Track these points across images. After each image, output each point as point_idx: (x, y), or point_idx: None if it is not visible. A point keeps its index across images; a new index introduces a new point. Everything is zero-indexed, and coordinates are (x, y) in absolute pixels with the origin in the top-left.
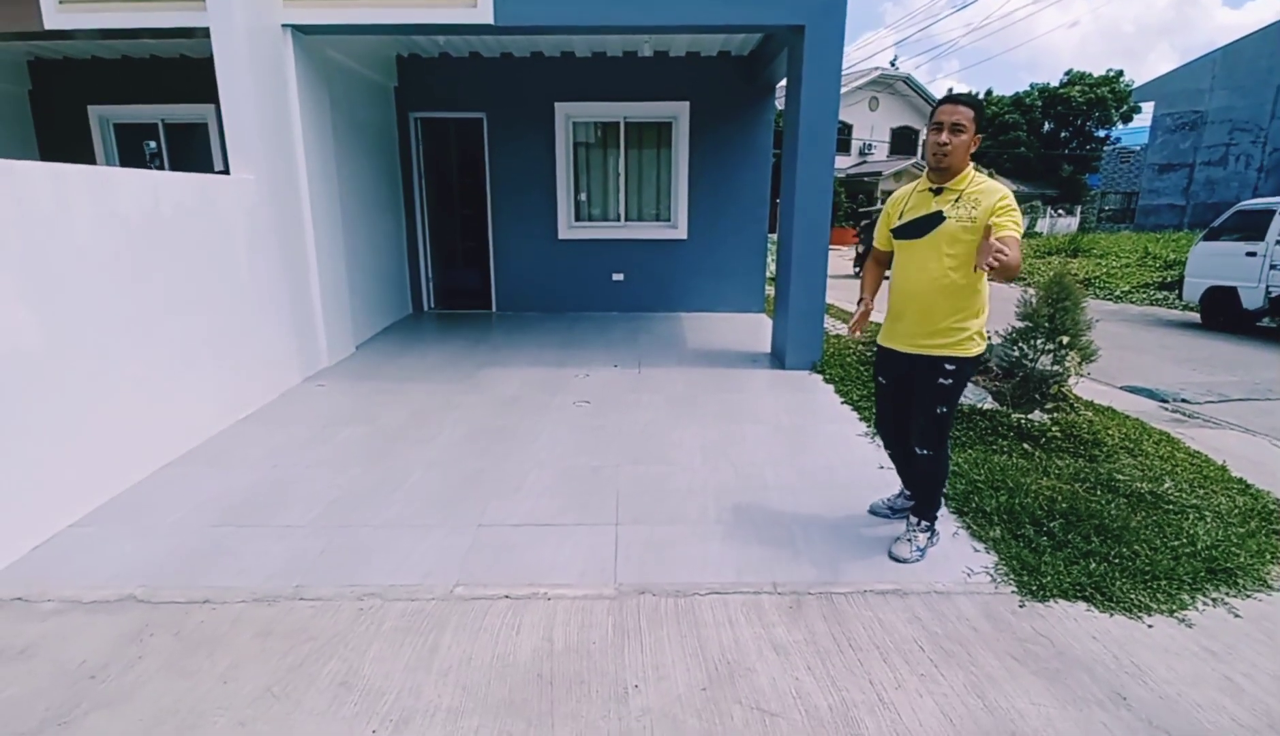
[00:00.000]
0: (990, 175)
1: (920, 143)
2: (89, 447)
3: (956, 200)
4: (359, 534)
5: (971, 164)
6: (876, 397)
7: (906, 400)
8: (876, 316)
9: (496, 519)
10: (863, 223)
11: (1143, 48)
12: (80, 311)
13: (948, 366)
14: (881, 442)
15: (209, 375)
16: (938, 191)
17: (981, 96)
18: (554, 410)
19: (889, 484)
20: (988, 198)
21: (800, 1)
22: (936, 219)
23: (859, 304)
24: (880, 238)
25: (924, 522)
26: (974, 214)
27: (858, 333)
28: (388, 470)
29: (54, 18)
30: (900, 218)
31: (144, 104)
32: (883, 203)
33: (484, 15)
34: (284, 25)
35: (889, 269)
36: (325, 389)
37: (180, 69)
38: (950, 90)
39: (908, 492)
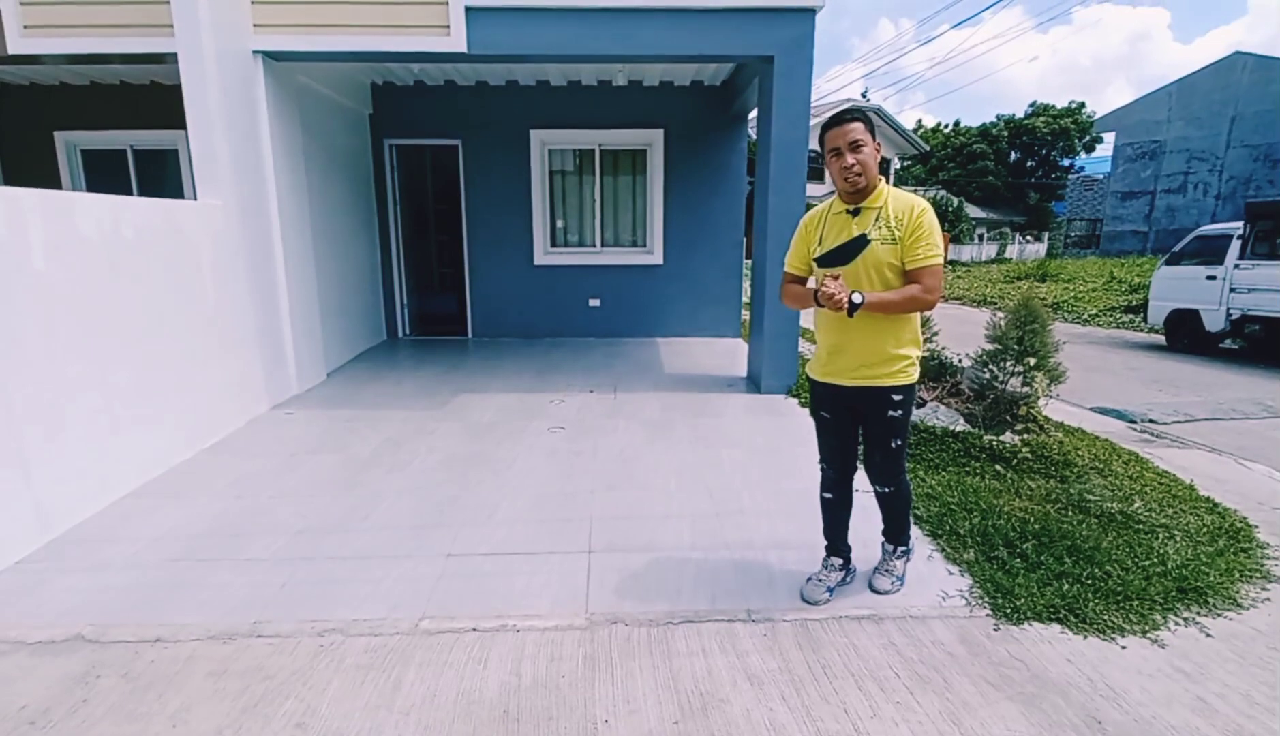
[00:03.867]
0: (960, 205)
1: (892, 171)
2: (42, 479)
3: (876, 219)
4: (324, 566)
5: (880, 178)
6: (820, 433)
7: (851, 432)
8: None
9: (467, 548)
10: None
11: (1100, 82)
12: (34, 338)
13: (894, 397)
14: (822, 481)
15: (172, 403)
16: (855, 213)
17: (949, 127)
18: (529, 436)
19: (863, 507)
20: (907, 215)
21: (769, 33)
22: (861, 243)
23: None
24: (798, 263)
25: (899, 548)
26: (896, 233)
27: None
28: (357, 499)
29: (18, 43)
30: (820, 244)
31: (112, 130)
32: None
33: (457, 44)
34: (254, 51)
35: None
36: (294, 416)
37: (150, 95)
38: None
39: (837, 562)
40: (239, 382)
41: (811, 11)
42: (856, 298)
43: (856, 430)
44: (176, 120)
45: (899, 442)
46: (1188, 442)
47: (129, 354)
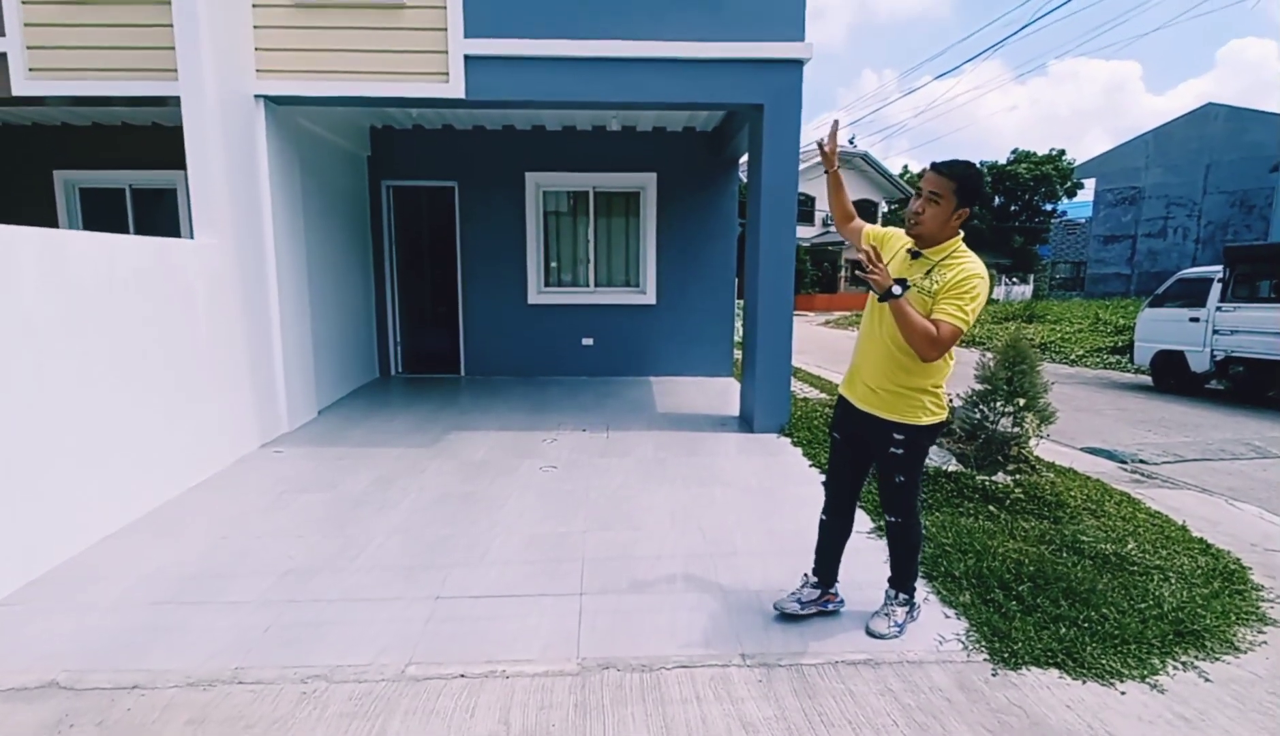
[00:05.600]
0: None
1: (879, 214)
2: (27, 518)
3: (928, 272)
4: (310, 609)
5: (960, 235)
6: (830, 453)
7: (858, 460)
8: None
9: (457, 589)
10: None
11: (1079, 130)
12: (22, 375)
13: (896, 435)
14: (824, 503)
15: (160, 441)
16: (915, 255)
17: None
18: (521, 475)
19: (858, 548)
20: (954, 273)
21: (758, 83)
22: (900, 285)
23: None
24: (870, 235)
25: (901, 595)
26: (933, 288)
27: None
28: (346, 539)
29: (23, 85)
30: (879, 259)
31: (112, 170)
32: (848, 269)
33: (456, 90)
34: (256, 96)
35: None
36: (284, 454)
37: (151, 135)
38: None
39: (814, 581)
40: (229, 420)
41: (799, 63)
42: (897, 290)
43: (863, 462)
44: (176, 160)
45: (903, 479)
46: (1179, 483)
47: (119, 392)
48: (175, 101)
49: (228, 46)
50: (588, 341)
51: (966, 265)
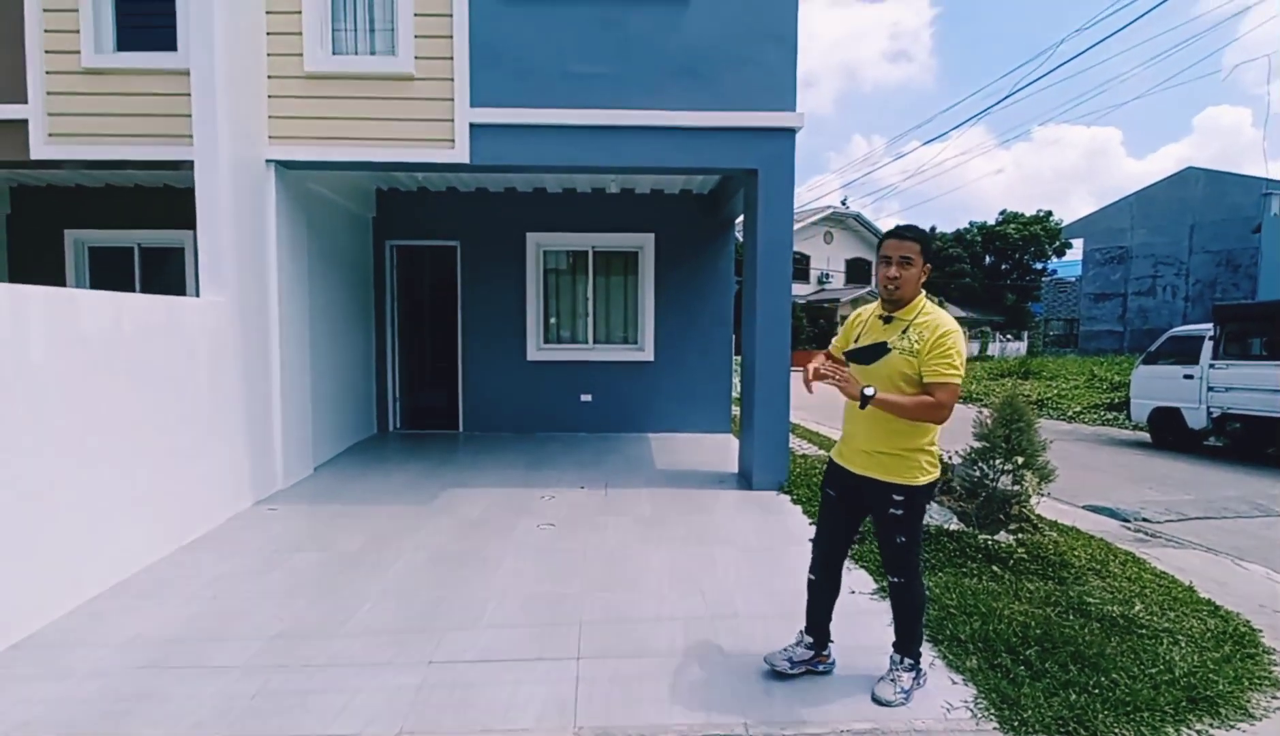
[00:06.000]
0: (940, 304)
1: (872, 272)
2: (13, 579)
3: (904, 331)
4: (298, 676)
5: (924, 292)
6: (820, 510)
7: (850, 518)
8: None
9: (451, 654)
10: None
11: (1064, 192)
12: (22, 433)
13: (895, 496)
14: (811, 562)
15: (154, 499)
16: (888, 320)
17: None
18: (519, 533)
19: (861, 609)
20: (931, 333)
21: (752, 149)
22: (881, 349)
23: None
24: (838, 346)
25: (907, 660)
26: (916, 347)
27: (812, 382)
28: (338, 601)
29: (42, 149)
30: (856, 341)
31: (122, 229)
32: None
33: (460, 155)
34: (268, 160)
35: None
36: (277, 512)
37: (162, 196)
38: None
39: (809, 640)
40: (223, 478)
41: (792, 131)
42: (869, 391)
43: (856, 521)
44: (186, 220)
45: (903, 540)
46: (1183, 542)
47: (116, 448)
48: (188, 165)
49: (242, 115)
50: (586, 398)
51: (939, 322)
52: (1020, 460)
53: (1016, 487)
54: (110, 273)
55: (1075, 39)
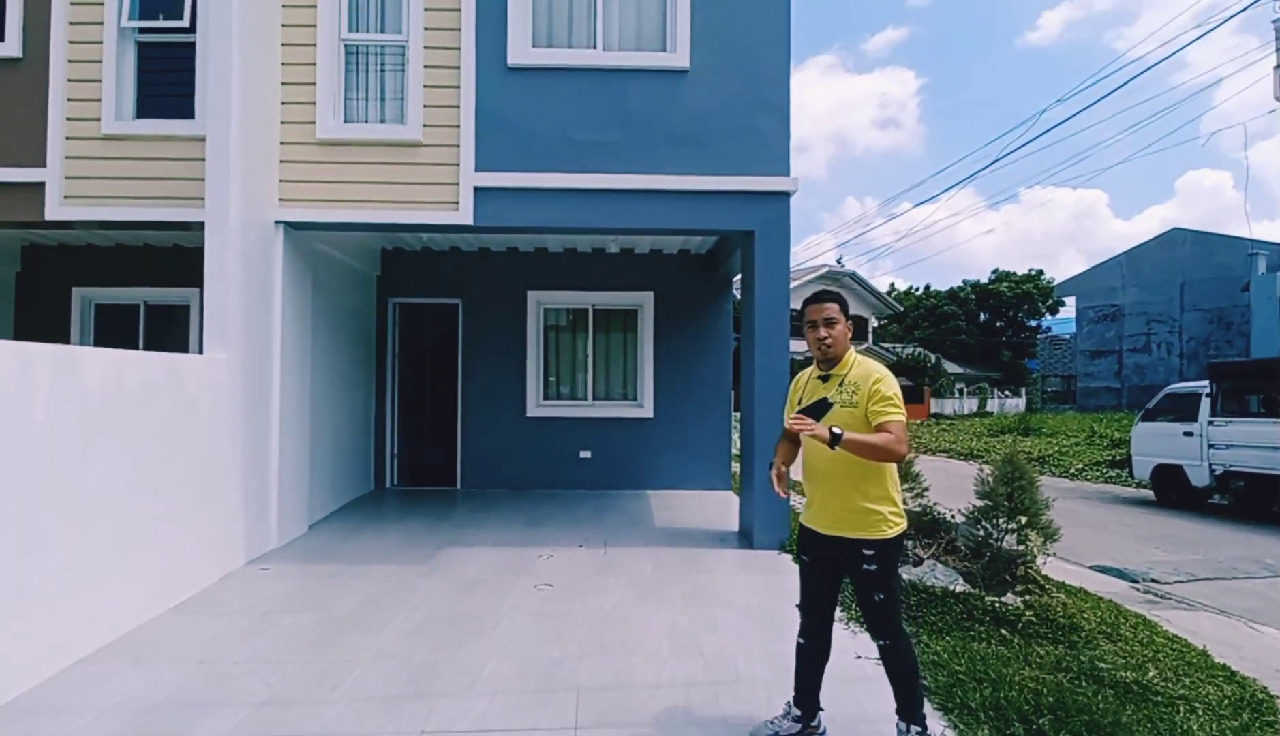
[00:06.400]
0: (868, 351)
1: (870, 329)
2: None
3: (840, 385)
4: None
5: (852, 348)
6: (801, 577)
7: (829, 581)
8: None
9: (443, 723)
10: None
11: (1053, 251)
12: (18, 492)
13: (866, 551)
14: (800, 627)
15: (146, 558)
16: (825, 378)
17: (920, 290)
18: (516, 594)
19: (868, 675)
20: (865, 382)
21: (749, 212)
22: (824, 406)
23: (770, 468)
24: (787, 419)
25: (914, 728)
26: (855, 398)
27: (782, 491)
28: (329, 664)
29: (57, 210)
30: (799, 404)
31: (129, 286)
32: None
33: (465, 217)
34: (277, 222)
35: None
36: (270, 572)
37: (170, 255)
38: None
39: (796, 712)
40: (217, 536)
41: (786, 195)
42: (837, 430)
43: (834, 582)
44: (192, 278)
45: (882, 597)
46: (1194, 604)
47: (111, 507)
48: (199, 226)
49: (253, 179)
50: (585, 454)
51: (869, 371)
52: (1024, 519)
53: (1021, 547)
54: (115, 329)
55: (1057, 108)
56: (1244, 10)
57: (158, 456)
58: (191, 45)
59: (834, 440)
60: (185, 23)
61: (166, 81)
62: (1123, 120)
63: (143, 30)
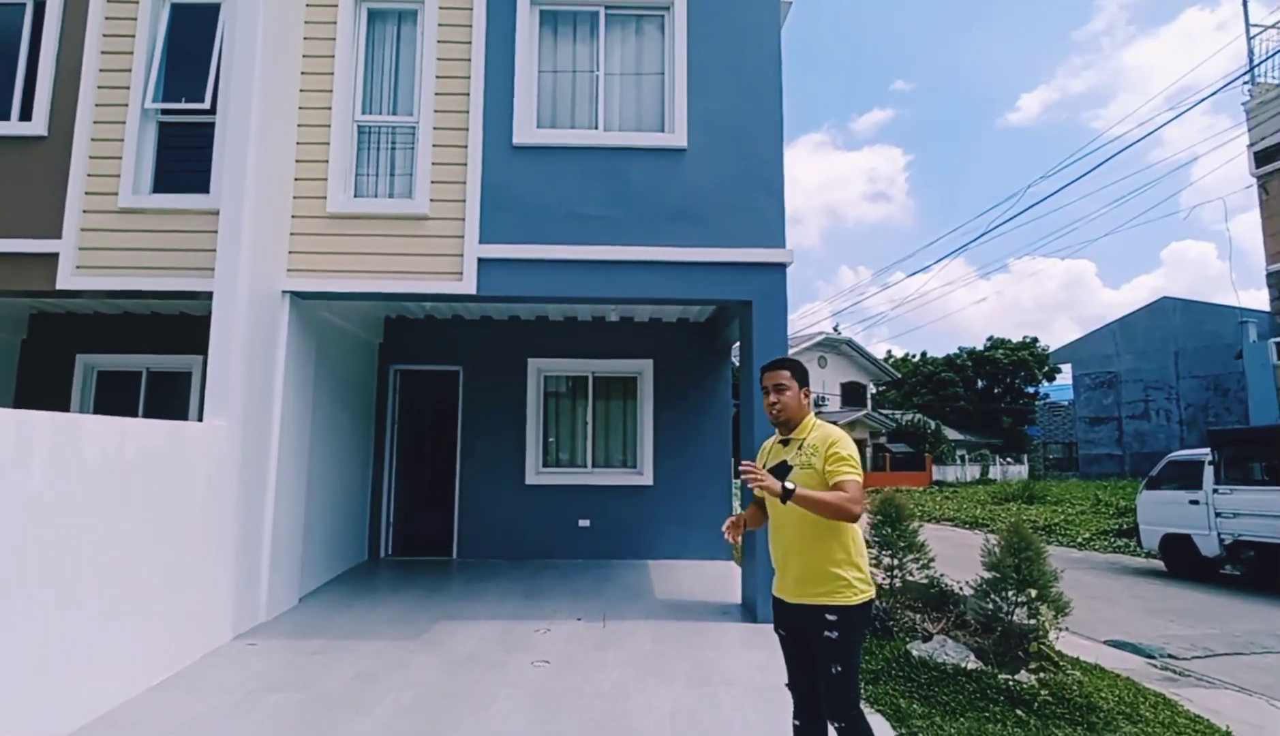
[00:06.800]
0: (938, 424)
1: (868, 396)
2: None
3: (799, 448)
4: None
5: (812, 412)
6: (783, 652)
7: (804, 655)
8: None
9: None
10: None
11: (1046, 319)
12: (6, 562)
13: (829, 617)
14: (793, 708)
15: (129, 632)
16: (785, 442)
17: (917, 357)
18: (512, 670)
19: None
20: (822, 444)
21: (746, 283)
22: (784, 469)
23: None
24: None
25: None
26: (813, 460)
27: (733, 539)
28: None
29: (68, 280)
30: (764, 467)
31: (133, 353)
32: None
33: (468, 287)
34: (284, 291)
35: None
36: (257, 647)
37: (176, 322)
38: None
39: None
40: (204, 610)
41: (783, 266)
42: (789, 485)
43: (809, 657)
44: (196, 345)
45: (840, 669)
46: (1214, 681)
47: (101, 578)
48: (206, 295)
49: (263, 251)
50: (584, 523)
51: (826, 434)
52: (1034, 592)
53: (1033, 622)
54: (116, 395)
55: (1042, 183)
56: (1214, 94)
57: (152, 526)
58: (210, 125)
59: (785, 495)
60: (206, 105)
61: (183, 157)
62: (1106, 194)
63: (165, 111)
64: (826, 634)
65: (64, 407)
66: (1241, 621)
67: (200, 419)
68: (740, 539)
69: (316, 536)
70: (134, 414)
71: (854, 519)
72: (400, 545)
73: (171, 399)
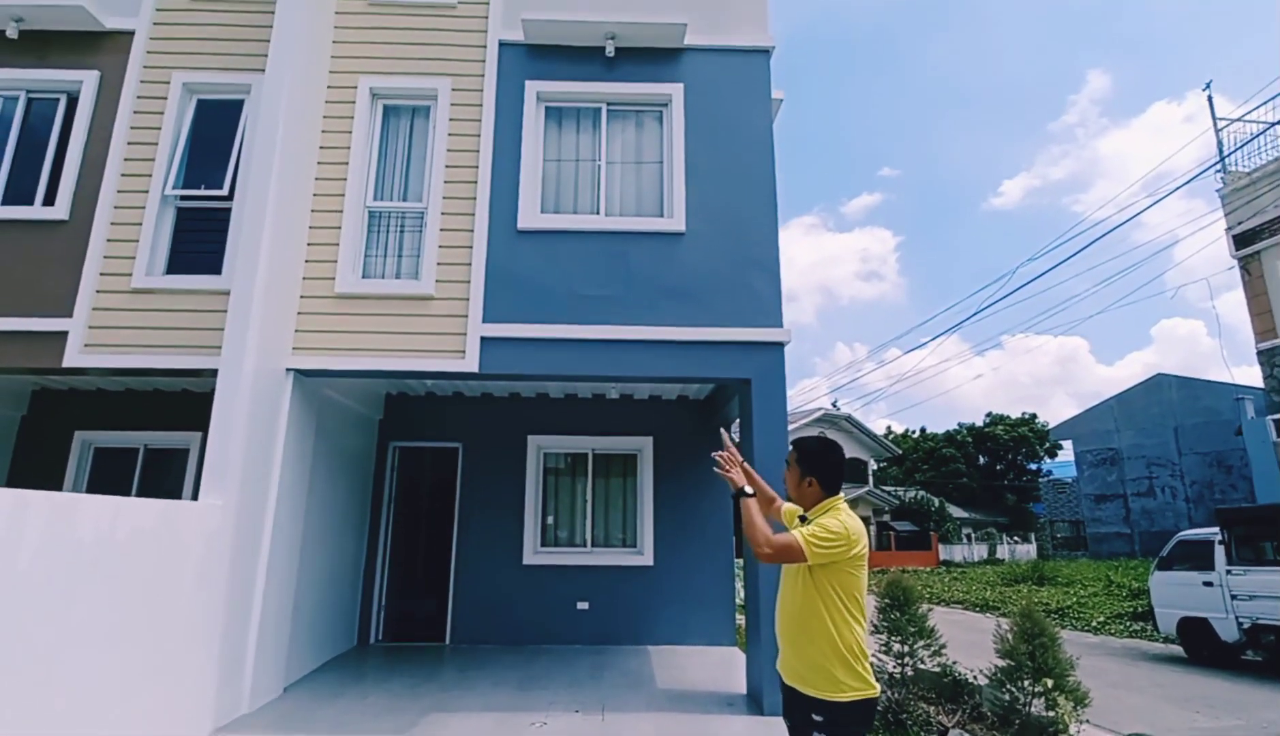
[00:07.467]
0: (855, 504)
1: (869, 472)
2: None
3: (804, 524)
4: None
5: (839, 498)
6: None
7: None
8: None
9: None
10: None
11: (1043, 395)
12: None
13: (815, 716)
14: None
15: (109, 721)
16: (804, 519)
17: (916, 433)
18: None
19: None
20: (820, 515)
21: (745, 361)
22: (742, 493)
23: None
24: (781, 510)
25: None
26: (805, 526)
27: (728, 468)
28: None
29: (75, 357)
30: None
31: (133, 430)
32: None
33: (470, 365)
34: (288, 369)
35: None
36: None
37: (177, 399)
38: (889, 428)
39: None
40: (185, 699)
41: (780, 344)
42: (747, 490)
43: None
44: (196, 422)
45: None
46: None
47: (77, 669)
48: (210, 372)
49: (270, 330)
50: (583, 605)
51: (835, 515)
52: (1050, 681)
53: (1051, 713)
54: (111, 471)
55: (1030, 265)
56: (1189, 182)
57: (139, 608)
58: (225, 210)
59: (739, 493)
60: (225, 192)
61: (197, 240)
62: (1094, 275)
63: (183, 197)
64: (815, 734)
65: (58, 484)
66: (1267, 710)
67: (195, 496)
68: (737, 477)
69: (304, 621)
70: (128, 490)
71: (759, 555)
72: (391, 629)
73: (166, 477)
